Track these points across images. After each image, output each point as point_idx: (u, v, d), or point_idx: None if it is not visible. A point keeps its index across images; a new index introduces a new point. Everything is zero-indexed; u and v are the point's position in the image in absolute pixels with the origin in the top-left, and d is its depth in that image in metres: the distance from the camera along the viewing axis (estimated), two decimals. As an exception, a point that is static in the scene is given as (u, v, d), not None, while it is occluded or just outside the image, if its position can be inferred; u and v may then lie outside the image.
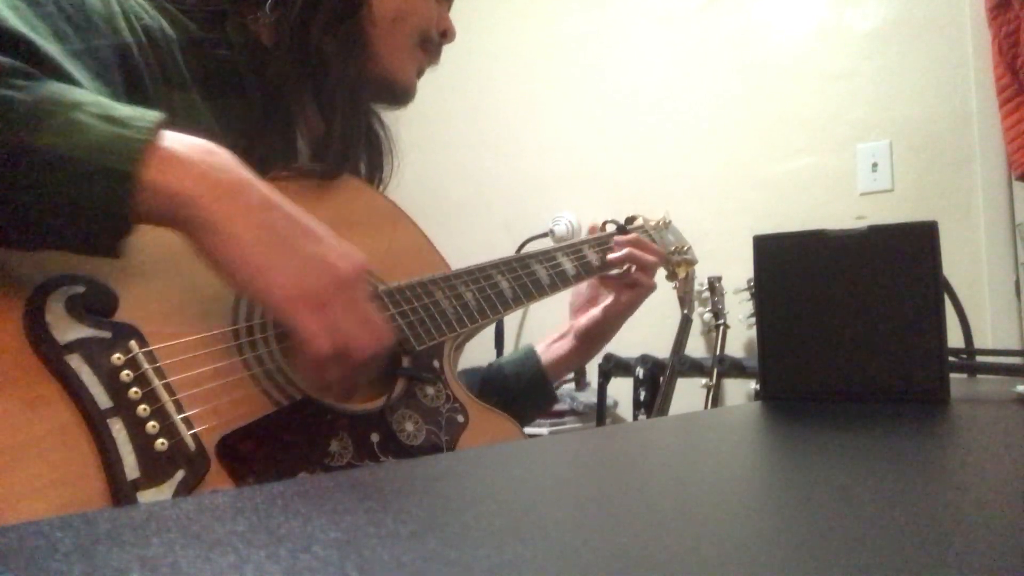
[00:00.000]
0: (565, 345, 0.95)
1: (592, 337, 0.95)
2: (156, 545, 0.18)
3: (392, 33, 0.75)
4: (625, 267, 0.93)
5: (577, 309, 0.97)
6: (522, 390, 0.92)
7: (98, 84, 0.56)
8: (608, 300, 0.94)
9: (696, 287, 1.90)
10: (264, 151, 0.68)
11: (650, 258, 0.95)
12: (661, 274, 1.02)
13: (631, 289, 0.93)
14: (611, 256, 0.92)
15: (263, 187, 0.52)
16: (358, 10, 0.72)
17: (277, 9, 0.69)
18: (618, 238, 0.94)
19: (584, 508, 0.23)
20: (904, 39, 2.05)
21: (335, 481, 0.26)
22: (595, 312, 0.95)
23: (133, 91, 0.60)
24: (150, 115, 0.49)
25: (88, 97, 0.48)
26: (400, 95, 0.81)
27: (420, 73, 0.82)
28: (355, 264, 0.54)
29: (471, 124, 2.65)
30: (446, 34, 0.82)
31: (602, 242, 0.95)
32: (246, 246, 0.49)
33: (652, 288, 0.95)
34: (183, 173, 0.48)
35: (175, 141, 0.49)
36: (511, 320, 2.32)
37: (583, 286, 0.96)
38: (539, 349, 0.96)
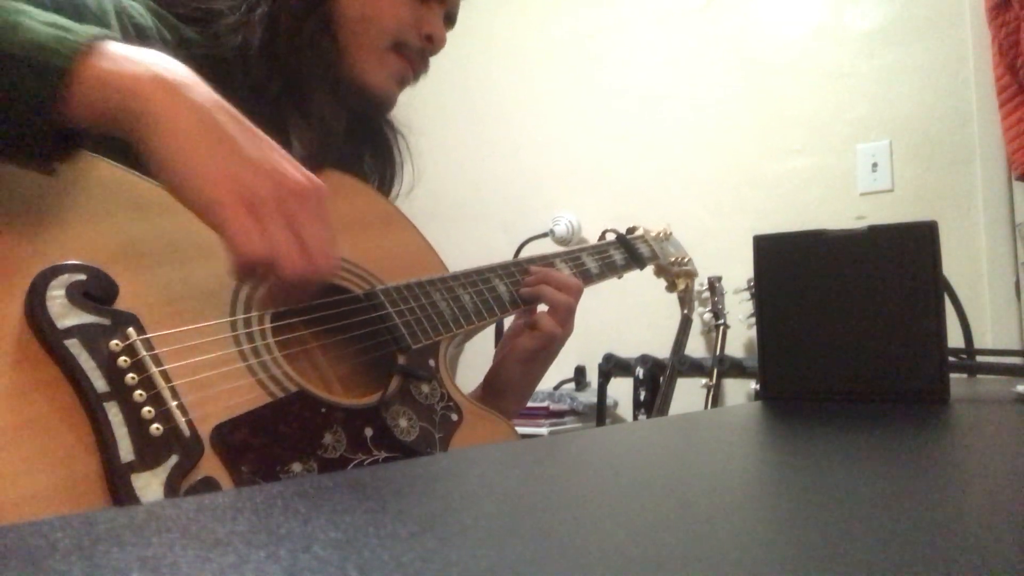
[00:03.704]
0: (476, 395, 0.80)
1: (495, 391, 0.79)
2: (156, 545, 0.18)
3: (359, 35, 0.73)
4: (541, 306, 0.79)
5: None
6: None
7: None
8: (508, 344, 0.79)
9: (696, 287, 1.90)
10: None
11: (561, 297, 0.77)
12: (647, 284, 0.96)
13: (532, 332, 0.77)
14: (523, 290, 0.78)
15: (212, 91, 0.50)
16: (319, 6, 0.71)
17: (253, 11, 0.69)
18: (533, 268, 0.80)
19: (584, 508, 0.23)
20: (904, 39, 2.05)
21: (335, 481, 0.26)
22: (497, 358, 0.80)
23: None
24: (97, 29, 0.49)
25: (35, 7, 0.48)
26: (376, 104, 0.77)
27: (404, 83, 0.78)
28: (311, 178, 0.51)
29: (470, 124, 2.65)
30: (431, 39, 0.76)
31: (601, 250, 0.92)
32: (186, 140, 0.47)
33: (556, 335, 0.77)
34: (125, 64, 0.47)
35: (119, 45, 0.49)
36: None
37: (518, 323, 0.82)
38: None
